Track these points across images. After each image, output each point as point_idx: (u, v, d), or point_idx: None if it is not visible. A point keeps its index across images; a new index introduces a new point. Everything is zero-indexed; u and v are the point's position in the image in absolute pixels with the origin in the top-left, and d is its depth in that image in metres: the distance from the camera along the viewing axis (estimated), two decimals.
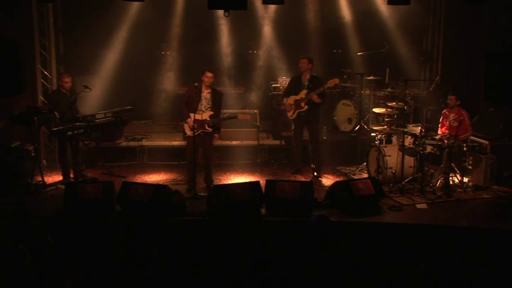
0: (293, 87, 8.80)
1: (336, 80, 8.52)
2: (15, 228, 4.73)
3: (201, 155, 8.36)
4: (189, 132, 7.99)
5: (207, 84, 7.98)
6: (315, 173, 8.64)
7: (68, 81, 8.45)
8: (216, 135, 8.19)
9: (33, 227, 4.91)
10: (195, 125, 7.82)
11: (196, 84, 7.89)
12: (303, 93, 8.55)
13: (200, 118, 7.93)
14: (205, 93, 7.99)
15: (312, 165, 8.74)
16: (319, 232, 5.20)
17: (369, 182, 7.49)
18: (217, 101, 8.11)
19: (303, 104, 8.54)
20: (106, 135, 9.54)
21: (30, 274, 4.41)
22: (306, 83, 8.57)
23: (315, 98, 8.44)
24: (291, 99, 8.71)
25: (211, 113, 8.02)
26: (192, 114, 7.89)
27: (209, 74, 7.91)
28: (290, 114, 8.76)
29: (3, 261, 4.42)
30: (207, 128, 8.01)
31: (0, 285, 4.44)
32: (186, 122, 8.02)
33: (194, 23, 10.70)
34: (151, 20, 10.45)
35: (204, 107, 7.99)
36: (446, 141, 7.97)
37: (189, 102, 8.03)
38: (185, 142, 8.38)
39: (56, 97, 8.51)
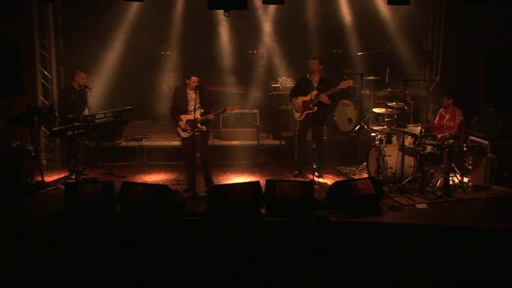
0: (301, 88, 8.70)
1: (350, 82, 8.51)
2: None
3: (198, 156, 8.30)
4: (182, 134, 8.00)
5: (193, 86, 7.89)
6: (316, 173, 8.61)
7: (84, 76, 8.68)
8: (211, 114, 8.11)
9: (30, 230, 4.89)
10: (187, 126, 7.86)
11: (198, 85, 7.88)
12: (312, 95, 8.46)
13: (192, 118, 7.86)
14: (192, 93, 7.89)
15: (313, 165, 8.69)
16: (318, 232, 5.20)
17: (369, 182, 7.49)
18: (205, 98, 8.02)
19: (312, 105, 8.44)
20: (106, 135, 9.54)
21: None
22: (316, 85, 8.49)
23: (325, 99, 8.38)
24: (299, 100, 8.63)
25: (202, 110, 7.97)
26: (183, 116, 7.92)
27: (194, 79, 7.82)
28: (298, 116, 8.66)
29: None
30: (199, 126, 7.98)
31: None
32: (178, 126, 8.02)
33: (194, 23, 10.70)
34: (151, 20, 10.45)
35: (197, 106, 7.88)
36: (446, 141, 7.95)
37: (178, 105, 8.02)
38: None
39: (67, 93, 8.62)
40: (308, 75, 8.65)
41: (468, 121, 8.76)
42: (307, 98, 8.54)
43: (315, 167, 8.62)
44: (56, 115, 8.40)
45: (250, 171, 9.15)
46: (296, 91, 8.80)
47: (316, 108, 8.45)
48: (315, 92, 8.46)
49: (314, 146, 8.61)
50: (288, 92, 9.25)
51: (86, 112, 8.84)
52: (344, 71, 10.71)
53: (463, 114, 8.36)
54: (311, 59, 8.65)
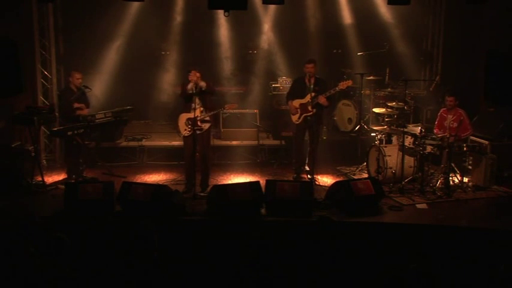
0: (297, 90, 8.53)
1: (349, 82, 8.40)
2: (21, 231, 4.73)
3: (198, 157, 8.21)
4: (183, 132, 7.99)
5: (195, 82, 7.84)
6: (308, 176, 8.47)
7: (79, 77, 8.55)
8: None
9: (37, 226, 4.90)
10: (189, 123, 7.85)
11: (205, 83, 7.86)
12: (309, 97, 8.25)
13: (192, 116, 7.82)
14: (196, 91, 7.84)
15: (306, 167, 8.61)
16: (318, 232, 5.21)
17: (369, 182, 7.49)
18: (205, 95, 7.99)
19: (309, 108, 8.24)
20: (106, 135, 9.54)
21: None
22: (312, 87, 8.27)
23: (323, 101, 8.23)
24: (296, 103, 8.46)
25: (202, 109, 7.94)
26: (183, 114, 7.90)
27: (197, 74, 7.81)
28: (296, 119, 8.47)
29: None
30: (199, 124, 7.95)
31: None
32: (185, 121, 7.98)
33: (194, 23, 10.72)
34: (151, 20, 10.45)
35: (197, 104, 7.86)
36: (447, 140, 7.93)
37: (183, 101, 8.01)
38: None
39: (66, 94, 8.57)
40: (306, 77, 8.39)
41: None
42: (305, 100, 8.35)
43: (307, 169, 8.55)
44: (56, 115, 8.39)
45: (250, 171, 9.15)
46: (292, 93, 8.62)
47: (314, 110, 8.23)
48: (312, 94, 8.26)
49: (309, 148, 8.50)
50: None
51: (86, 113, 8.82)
52: (344, 71, 10.71)
53: (466, 113, 8.32)
54: (307, 63, 8.39)
